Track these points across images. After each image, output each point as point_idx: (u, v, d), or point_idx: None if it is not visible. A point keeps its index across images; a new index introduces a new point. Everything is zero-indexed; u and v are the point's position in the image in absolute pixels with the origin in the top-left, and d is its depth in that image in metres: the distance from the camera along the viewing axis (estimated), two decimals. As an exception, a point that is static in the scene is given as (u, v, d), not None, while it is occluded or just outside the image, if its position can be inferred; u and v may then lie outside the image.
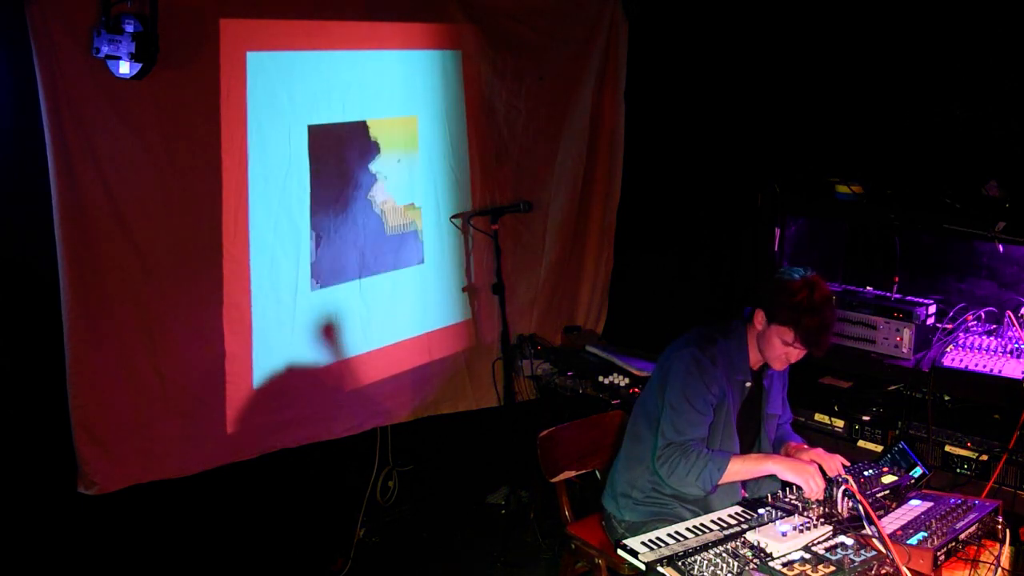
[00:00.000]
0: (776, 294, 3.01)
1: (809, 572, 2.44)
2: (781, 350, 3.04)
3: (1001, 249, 3.76)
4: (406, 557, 4.42)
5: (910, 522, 2.77)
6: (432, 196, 4.54)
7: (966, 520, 2.77)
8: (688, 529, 2.82)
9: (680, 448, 3.00)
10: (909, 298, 3.87)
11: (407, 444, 4.69)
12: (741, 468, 3.00)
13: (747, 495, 3.16)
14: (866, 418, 3.75)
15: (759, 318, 3.07)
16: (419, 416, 4.61)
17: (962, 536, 2.70)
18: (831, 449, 3.13)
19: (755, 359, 3.18)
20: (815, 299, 2.95)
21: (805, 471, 2.90)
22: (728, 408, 3.12)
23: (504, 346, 4.51)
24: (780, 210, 4.07)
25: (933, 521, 2.75)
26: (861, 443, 3.75)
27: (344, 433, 4.28)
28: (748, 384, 3.18)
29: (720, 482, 2.99)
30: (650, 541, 2.72)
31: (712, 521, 2.87)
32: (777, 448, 3.33)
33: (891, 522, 2.76)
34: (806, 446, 3.24)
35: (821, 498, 2.85)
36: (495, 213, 4.44)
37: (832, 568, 2.45)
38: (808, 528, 2.68)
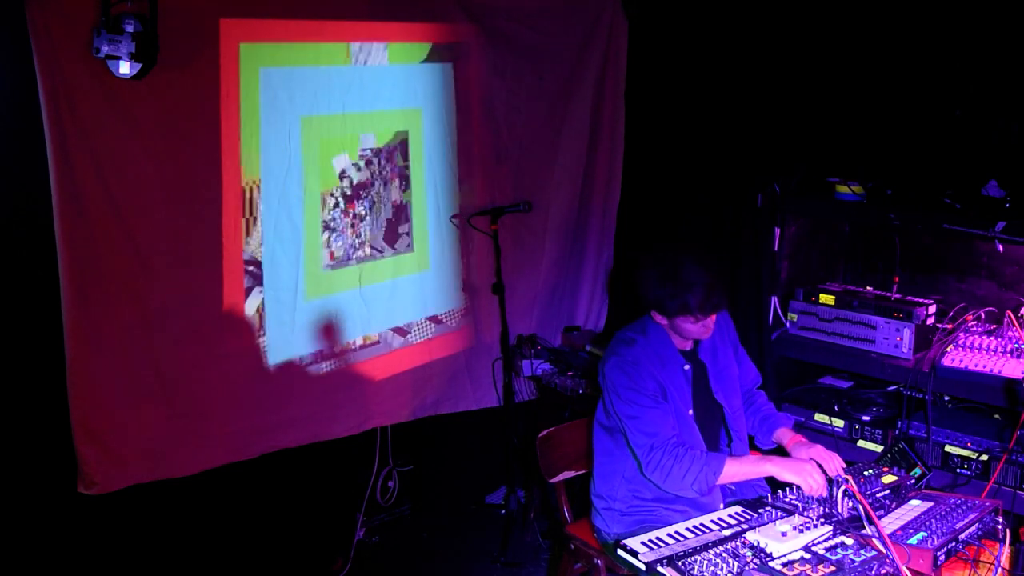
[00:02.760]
0: (650, 292, 3.01)
1: (809, 572, 2.43)
2: (696, 328, 3.04)
3: (1001, 249, 3.76)
4: (406, 557, 4.42)
5: (910, 522, 2.76)
6: (432, 196, 4.54)
7: (966, 520, 2.76)
8: (688, 529, 2.82)
9: (668, 451, 2.96)
10: (909, 298, 3.87)
11: (407, 444, 4.68)
12: (739, 470, 2.97)
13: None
14: (866, 418, 3.75)
15: (658, 317, 3.08)
16: (419, 416, 4.61)
17: (962, 536, 2.70)
18: (831, 449, 3.12)
19: (681, 343, 3.16)
20: (682, 274, 2.94)
21: (803, 470, 2.88)
22: (675, 400, 3.08)
23: (504, 346, 4.51)
24: (780, 210, 4.07)
25: (933, 521, 2.75)
26: (861, 443, 3.74)
27: (344, 433, 4.28)
28: (687, 367, 3.15)
29: (718, 483, 2.97)
30: (650, 541, 2.72)
31: (712, 521, 2.86)
32: (767, 432, 3.29)
33: (891, 522, 2.76)
34: (804, 440, 3.19)
35: (824, 494, 2.85)
36: (495, 213, 4.44)
37: (832, 568, 2.45)
38: (808, 528, 2.68)
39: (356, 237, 4.23)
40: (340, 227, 4.15)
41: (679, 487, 2.98)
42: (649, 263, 3.04)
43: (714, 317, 3.05)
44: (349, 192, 4.17)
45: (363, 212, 4.24)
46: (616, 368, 3.07)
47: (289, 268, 3.98)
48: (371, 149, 4.24)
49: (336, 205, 4.13)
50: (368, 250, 4.29)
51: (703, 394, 3.20)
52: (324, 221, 4.08)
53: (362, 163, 4.21)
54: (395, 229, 4.41)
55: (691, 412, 3.14)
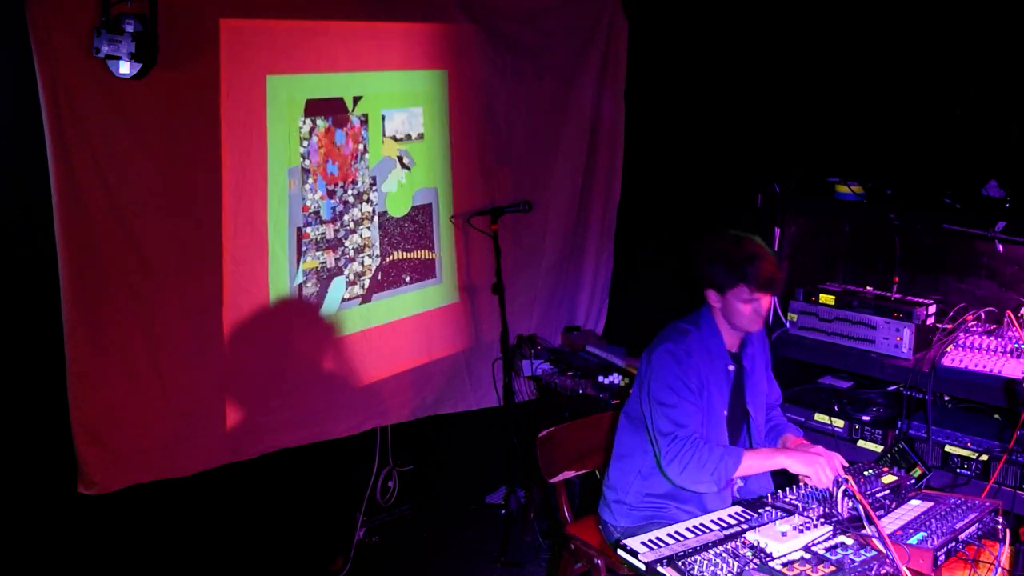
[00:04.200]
0: (708, 266, 3.05)
1: (809, 572, 2.43)
2: (747, 309, 3.05)
3: (1001, 249, 3.76)
4: (406, 557, 4.42)
5: (910, 522, 2.76)
6: (432, 196, 4.54)
7: (966, 520, 2.76)
8: (688, 529, 2.82)
9: (687, 442, 2.98)
10: (909, 298, 3.87)
11: (407, 444, 4.69)
12: (753, 463, 2.99)
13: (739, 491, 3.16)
14: (866, 418, 3.75)
15: (712, 297, 3.10)
16: (419, 416, 4.61)
17: (962, 536, 2.70)
18: (831, 449, 3.12)
19: (731, 342, 3.18)
20: (745, 247, 3.00)
21: (815, 461, 2.90)
22: (712, 397, 3.11)
23: (504, 346, 4.51)
24: (780, 210, 4.07)
25: (933, 521, 2.75)
26: (861, 443, 3.74)
27: (344, 433, 4.28)
28: (731, 368, 3.18)
29: (734, 476, 2.99)
30: (650, 541, 2.72)
31: (712, 521, 2.86)
32: (774, 440, 3.32)
33: (891, 522, 2.76)
34: (806, 442, 3.22)
35: (830, 487, 2.85)
36: (495, 213, 4.44)
37: (832, 568, 2.45)
38: (808, 528, 2.68)
39: (356, 236, 4.22)
40: (340, 226, 4.15)
41: (697, 479, 2.98)
42: (710, 239, 3.10)
43: (768, 301, 3.08)
44: (349, 191, 4.17)
45: (363, 211, 4.24)
46: (667, 353, 3.08)
47: (289, 268, 3.98)
48: (370, 149, 4.24)
49: (336, 204, 4.13)
50: (368, 249, 4.28)
51: (737, 398, 3.23)
52: (324, 220, 4.08)
53: (362, 163, 4.21)
54: (395, 229, 4.41)
55: (725, 412, 3.17)
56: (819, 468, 2.88)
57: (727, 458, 2.95)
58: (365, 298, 4.32)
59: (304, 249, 4.02)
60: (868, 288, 4.04)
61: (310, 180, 4.01)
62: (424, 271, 4.57)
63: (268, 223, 3.87)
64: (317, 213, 4.06)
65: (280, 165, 3.88)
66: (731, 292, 3.04)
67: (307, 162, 3.98)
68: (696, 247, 3.14)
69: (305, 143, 3.96)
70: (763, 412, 3.32)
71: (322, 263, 4.11)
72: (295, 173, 3.94)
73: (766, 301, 3.07)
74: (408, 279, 4.50)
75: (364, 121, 4.19)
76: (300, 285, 4.04)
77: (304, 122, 3.95)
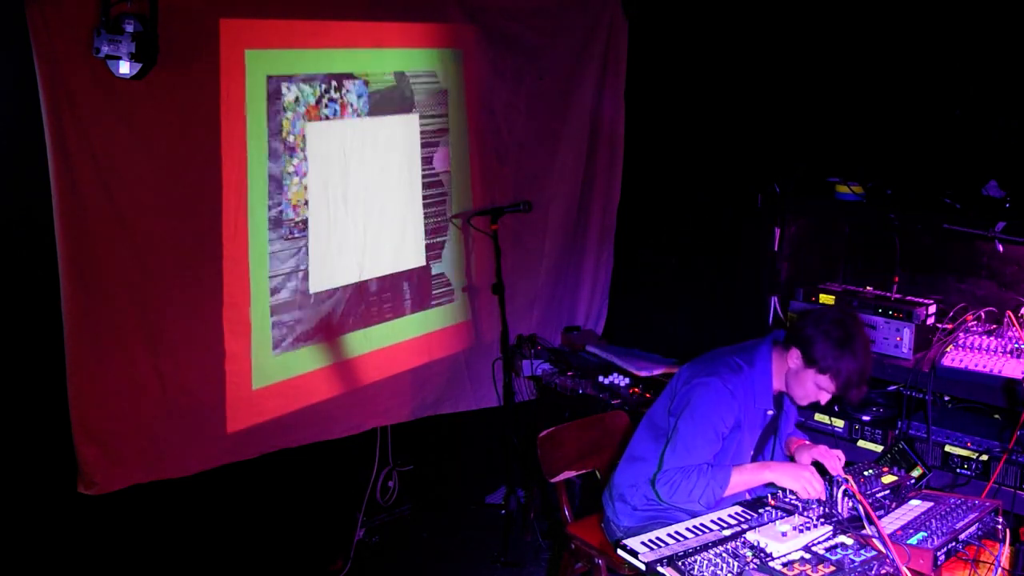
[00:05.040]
0: (816, 339, 2.93)
1: (809, 572, 2.44)
2: (813, 392, 3.01)
3: (1001, 249, 3.76)
4: (406, 557, 4.42)
5: (910, 522, 2.76)
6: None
7: (966, 520, 2.77)
8: (688, 529, 2.82)
9: (684, 471, 2.99)
10: (909, 298, 3.87)
11: (407, 444, 4.69)
12: (740, 480, 2.99)
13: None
14: (866, 418, 3.74)
15: (794, 358, 3.00)
16: (419, 416, 4.61)
17: (962, 536, 2.70)
18: (831, 448, 3.12)
19: (778, 386, 3.13)
20: (856, 347, 2.90)
21: (801, 476, 2.89)
22: (743, 435, 3.09)
23: (504, 346, 4.51)
24: (780, 210, 4.07)
25: (933, 521, 2.75)
26: (861, 443, 3.74)
27: (344, 433, 4.28)
28: (771, 413, 3.14)
29: (723, 496, 2.99)
30: (650, 541, 2.72)
31: (712, 521, 2.86)
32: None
33: (891, 522, 2.76)
34: (807, 442, 3.23)
35: (822, 498, 2.85)
36: (495, 213, 4.43)
37: (832, 568, 2.45)
38: (808, 528, 2.68)
39: (356, 236, 4.22)
40: (340, 226, 4.15)
41: (685, 504, 3.00)
42: (836, 312, 3.01)
43: (827, 399, 3.02)
44: (349, 191, 4.17)
45: (363, 211, 4.24)
46: (710, 388, 3.02)
47: (289, 268, 3.98)
48: (370, 149, 4.24)
49: (336, 204, 4.12)
50: (369, 250, 4.28)
51: (768, 439, 3.22)
52: (324, 220, 4.08)
53: (362, 162, 4.21)
54: (396, 228, 4.41)
55: (751, 452, 3.15)
56: (805, 482, 2.87)
57: (713, 483, 2.95)
58: (366, 297, 4.31)
59: (304, 249, 4.02)
60: (868, 288, 4.04)
61: (310, 179, 4.00)
62: (423, 265, 4.57)
63: (268, 223, 3.87)
64: (318, 213, 4.05)
65: (280, 165, 3.88)
66: (815, 373, 2.96)
67: (307, 163, 3.97)
68: (814, 314, 3.03)
69: (305, 142, 3.96)
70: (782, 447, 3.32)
71: (323, 262, 4.10)
72: (296, 173, 3.94)
73: (829, 396, 3.01)
74: (408, 273, 4.50)
75: (363, 120, 4.19)
76: (300, 285, 4.03)
77: (304, 121, 3.94)
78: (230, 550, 3.98)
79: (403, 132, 4.36)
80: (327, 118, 4.04)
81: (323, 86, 3.98)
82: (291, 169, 3.92)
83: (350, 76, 4.08)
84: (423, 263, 4.55)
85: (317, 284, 4.10)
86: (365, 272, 4.28)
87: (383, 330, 4.41)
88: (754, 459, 3.19)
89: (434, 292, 4.62)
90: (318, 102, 3.98)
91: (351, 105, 4.11)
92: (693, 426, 3.01)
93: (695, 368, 3.12)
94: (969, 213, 3.60)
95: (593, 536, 3.42)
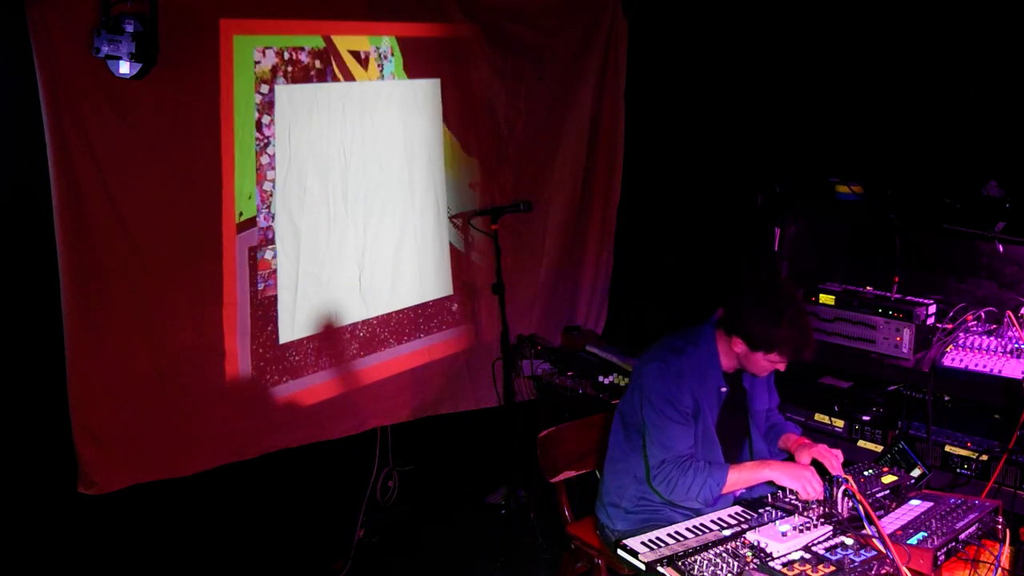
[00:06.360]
0: (751, 321, 2.94)
1: (809, 572, 2.44)
2: (769, 366, 3.02)
3: (1001, 249, 3.76)
4: (406, 557, 4.42)
5: (910, 522, 2.76)
6: (432, 196, 4.54)
7: (966, 520, 2.77)
8: (688, 529, 2.82)
9: (676, 465, 2.98)
10: (909, 298, 3.87)
11: (407, 444, 4.68)
12: (739, 477, 2.98)
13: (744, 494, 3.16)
14: (866, 418, 3.75)
15: (738, 344, 3.00)
16: (419, 416, 4.61)
17: (962, 536, 2.70)
18: (831, 448, 3.12)
19: (729, 364, 3.12)
20: (792, 316, 2.90)
21: (801, 476, 2.89)
22: (705, 416, 3.08)
23: (504, 346, 4.51)
24: (780, 210, 4.07)
25: (933, 521, 2.75)
26: (861, 443, 3.74)
27: (344, 433, 4.28)
28: (724, 389, 3.14)
29: (721, 494, 2.98)
30: (650, 541, 2.72)
31: (712, 521, 2.86)
32: (773, 440, 3.30)
33: (891, 522, 2.76)
34: (807, 441, 3.19)
35: (820, 498, 2.85)
36: (495, 213, 4.43)
37: (832, 568, 2.45)
38: (808, 528, 2.68)
39: (357, 237, 4.22)
40: (340, 226, 4.15)
41: (683, 500, 3.00)
42: (756, 292, 3.00)
43: (785, 365, 3.03)
44: (349, 191, 4.17)
45: (363, 212, 4.24)
46: (657, 374, 3.04)
47: (289, 267, 3.98)
48: (370, 149, 4.24)
49: (336, 204, 4.12)
50: (369, 250, 4.28)
51: (738, 418, 3.21)
52: (324, 220, 4.08)
53: (362, 162, 4.21)
54: (396, 229, 4.41)
55: (714, 432, 3.13)
56: (805, 482, 2.87)
57: (711, 480, 2.95)
58: (366, 297, 4.31)
59: (304, 249, 4.02)
60: (868, 288, 4.04)
61: (310, 180, 4.00)
62: (425, 270, 4.57)
63: (268, 223, 3.87)
64: (318, 213, 4.05)
65: (280, 165, 3.87)
66: (762, 353, 2.97)
67: (307, 162, 3.97)
68: (739, 298, 3.02)
69: (305, 142, 3.96)
70: (762, 427, 3.31)
71: (323, 262, 4.10)
72: (296, 173, 3.93)
73: (786, 362, 3.02)
74: (407, 271, 4.49)
75: (363, 120, 4.19)
76: (300, 285, 4.03)
77: (304, 121, 3.94)
78: (230, 550, 3.98)
79: (403, 132, 4.36)
80: (325, 117, 4.03)
81: (321, 88, 3.98)
82: (290, 169, 3.92)
83: (350, 76, 4.09)
84: (423, 263, 4.55)
85: (317, 284, 4.10)
86: (365, 272, 4.28)
87: (384, 329, 4.41)
88: (729, 440, 3.17)
89: (434, 292, 4.62)
90: (317, 102, 3.98)
91: (351, 105, 4.12)
92: (655, 413, 3.02)
93: (643, 358, 3.14)
94: (969, 213, 3.60)
95: (593, 536, 3.42)
